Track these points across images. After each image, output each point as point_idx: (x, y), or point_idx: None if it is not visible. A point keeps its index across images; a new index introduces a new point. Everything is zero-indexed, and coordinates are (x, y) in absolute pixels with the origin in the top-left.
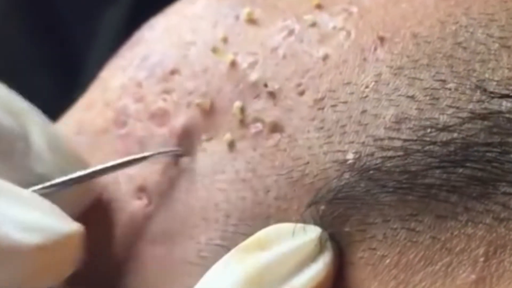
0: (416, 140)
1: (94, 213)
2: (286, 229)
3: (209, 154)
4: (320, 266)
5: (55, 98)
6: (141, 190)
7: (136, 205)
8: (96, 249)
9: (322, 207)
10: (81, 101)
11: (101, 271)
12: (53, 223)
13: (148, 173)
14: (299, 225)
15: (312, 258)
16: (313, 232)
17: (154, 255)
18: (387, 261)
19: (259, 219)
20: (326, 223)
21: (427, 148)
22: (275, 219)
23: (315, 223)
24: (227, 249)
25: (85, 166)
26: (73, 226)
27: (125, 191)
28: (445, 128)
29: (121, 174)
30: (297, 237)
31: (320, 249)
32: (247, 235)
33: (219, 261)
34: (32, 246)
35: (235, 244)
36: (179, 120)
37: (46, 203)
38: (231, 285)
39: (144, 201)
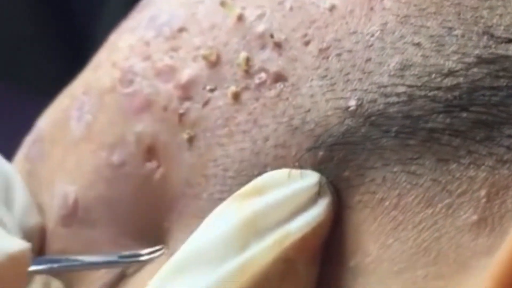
0: (420, 86)
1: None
2: (283, 175)
3: (212, 108)
4: (318, 211)
5: (62, 72)
6: (151, 151)
7: (147, 168)
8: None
9: (321, 153)
10: (90, 64)
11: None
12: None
13: (156, 131)
14: (296, 170)
15: (310, 203)
16: (311, 177)
17: (171, 220)
18: (386, 203)
19: (257, 169)
20: (324, 169)
21: (431, 93)
22: (272, 167)
23: (312, 170)
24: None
25: None
26: (20, 245)
27: (134, 152)
28: (450, 74)
29: (128, 133)
30: (294, 182)
31: (318, 194)
32: (244, 185)
33: (215, 208)
34: None
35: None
36: (185, 74)
37: None
38: (228, 229)
39: (154, 163)
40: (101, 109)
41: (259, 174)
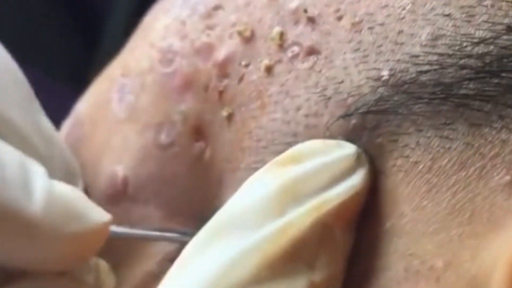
0: (451, 55)
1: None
2: (320, 145)
3: (246, 83)
4: (356, 179)
5: (78, 61)
6: (197, 132)
7: (196, 148)
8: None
9: (353, 121)
10: (126, 46)
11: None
12: (89, 212)
13: (200, 111)
14: (332, 141)
15: (349, 171)
16: (348, 147)
17: (220, 198)
18: (420, 166)
19: (288, 137)
20: (356, 137)
21: (462, 61)
22: (303, 136)
23: (344, 138)
24: None
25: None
26: (105, 216)
27: (182, 132)
28: (481, 42)
29: (174, 113)
30: (332, 151)
31: (356, 163)
32: (276, 153)
33: (252, 175)
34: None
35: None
36: (222, 52)
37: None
38: (265, 194)
39: (201, 143)
40: (143, 89)
41: (290, 143)
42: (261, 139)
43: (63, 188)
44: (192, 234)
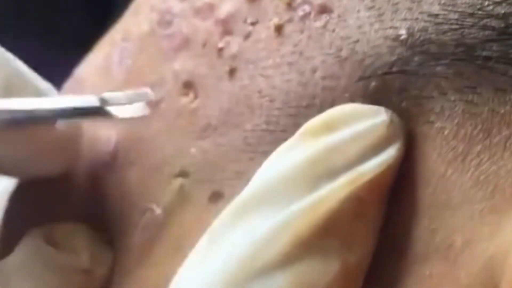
0: (472, 14)
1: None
2: (353, 110)
3: (254, 41)
4: (392, 151)
5: (90, 33)
6: (188, 86)
7: (182, 101)
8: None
9: (373, 83)
10: (128, 11)
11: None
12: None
13: (194, 66)
14: (366, 106)
15: (383, 141)
16: (383, 114)
17: (201, 147)
18: (446, 132)
19: (305, 100)
20: (377, 100)
21: (483, 21)
22: (321, 98)
23: (365, 101)
24: (272, 132)
25: None
26: None
27: (172, 88)
28: (503, 1)
29: (167, 71)
30: (365, 118)
31: (391, 132)
32: (292, 116)
33: (282, 144)
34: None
35: (280, 127)
36: (224, 9)
37: None
38: (295, 167)
39: (191, 96)
40: (141, 52)
41: (308, 105)
42: (275, 99)
43: None
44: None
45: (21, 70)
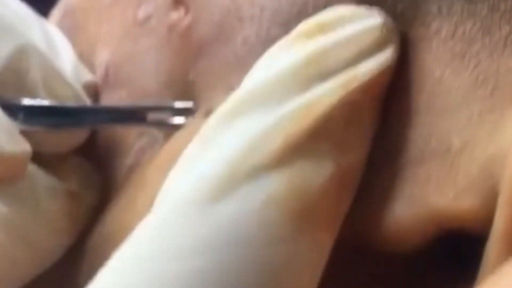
0: None
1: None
2: (348, 12)
3: None
4: (387, 54)
5: None
6: (178, 0)
7: (174, 16)
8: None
9: None
10: None
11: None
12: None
13: None
14: (362, 7)
15: (378, 44)
16: (378, 16)
17: (195, 66)
18: (443, 33)
19: (296, 6)
20: (372, 4)
21: None
22: (313, 4)
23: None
24: (263, 44)
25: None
26: (20, 147)
27: (162, 3)
28: None
29: None
30: (360, 20)
31: (386, 34)
32: (283, 24)
33: (274, 46)
34: None
35: (270, 38)
36: None
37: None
38: (290, 66)
39: (181, 11)
40: None
41: (300, 12)
42: (265, 8)
43: None
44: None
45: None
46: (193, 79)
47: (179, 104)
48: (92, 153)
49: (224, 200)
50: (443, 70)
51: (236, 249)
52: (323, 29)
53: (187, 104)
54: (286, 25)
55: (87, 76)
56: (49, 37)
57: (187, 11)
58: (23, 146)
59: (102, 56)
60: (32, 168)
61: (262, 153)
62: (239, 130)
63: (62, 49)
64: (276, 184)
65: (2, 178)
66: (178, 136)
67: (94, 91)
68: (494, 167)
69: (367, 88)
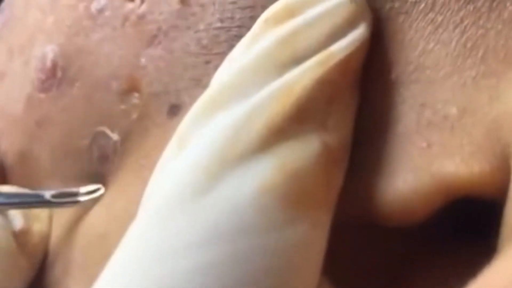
0: None
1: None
2: None
3: None
4: (360, 30)
5: None
6: None
7: (128, 7)
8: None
9: None
10: None
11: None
12: None
13: None
14: None
15: (350, 20)
16: None
17: (152, 56)
18: (422, 5)
19: None
20: None
21: None
22: None
23: None
24: (227, 30)
25: None
26: None
27: None
28: None
29: None
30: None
31: (358, 10)
32: (248, 8)
33: (245, 36)
34: None
35: (235, 22)
36: None
37: None
38: (261, 53)
39: (137, 1)
40: None
41: None
42: None
43: None
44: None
45: None
46: (145, 64)
47: (85, 189)
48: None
49: (215, 191)
50: (427, 41)
51: (238, 238)
52: (291, 12)
53: (95, 186)
54: (252, 8)
55: None
56: None
57: (142, 1)
58: None
59: (47, 49)
60: None
61: (244, 141)
62: (219, 123)
63: None
64: (265, 171)
65: None
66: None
67: None
68: (502, 132)
69: (344, 66)
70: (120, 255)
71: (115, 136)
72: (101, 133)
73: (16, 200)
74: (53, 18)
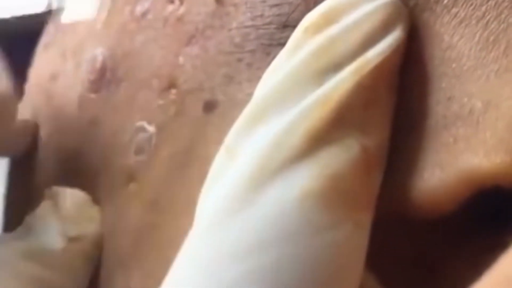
0: None
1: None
2: None
3: None
4: (397, 33)
5: None
6: None
7: (169, 9)
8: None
9: None
10: None
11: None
12: None
13: None
14: None
15: (387, 23)
16: None
17: (189, 54)
18: (445, 1)
19: None
20: None
21: None
22: None
23: None
24: (257, 28)
25: None
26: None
27: None
28: None
29: None
30: (365, 4)
31: (394, 12)
32: (276, 6)
33: (286, 45)
34: None
35: (265, 20)
36: None
37: None
38: (301, 62)
39: (176, 3)
40: None
41: None
42: None
43: None
44: None
45: None
46: (183, 63)
47: None
48: (88, 162)
49: (261, 199)
50: (451, 35)
51: (284, 244)
52: (329, 20)
53: None
54: (280, 6)
55: None
56: None
57: (181, 2)
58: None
59: (94, 52)
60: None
61: (287, 148)
62: (262, 133)
63: None
64: (307, 176)
65: None
66: (178, 135)
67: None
68: None
69: (380, 70)
70: (183, 260)
71: (152, 129)
72: (141, 128)
73: None
74: (101, 23)
